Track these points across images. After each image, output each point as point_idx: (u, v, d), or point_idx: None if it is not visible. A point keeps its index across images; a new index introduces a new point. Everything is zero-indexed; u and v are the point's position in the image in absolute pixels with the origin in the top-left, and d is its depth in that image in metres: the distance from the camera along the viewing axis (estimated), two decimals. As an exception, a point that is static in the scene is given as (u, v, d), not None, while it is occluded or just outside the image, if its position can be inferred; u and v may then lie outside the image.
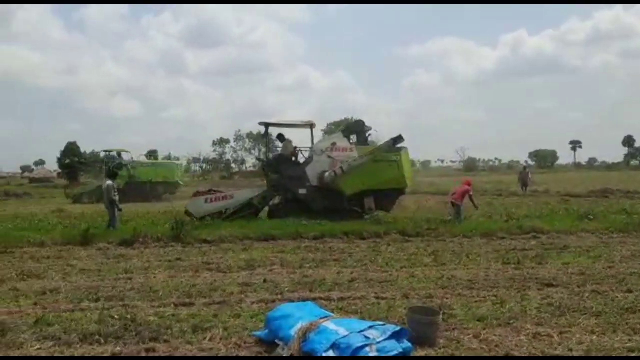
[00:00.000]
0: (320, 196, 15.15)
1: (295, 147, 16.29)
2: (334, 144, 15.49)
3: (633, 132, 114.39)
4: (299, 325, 4.59)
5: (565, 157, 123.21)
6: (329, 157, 15.22)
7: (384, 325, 4.63)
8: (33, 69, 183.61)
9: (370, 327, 4.50)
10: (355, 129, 16.48)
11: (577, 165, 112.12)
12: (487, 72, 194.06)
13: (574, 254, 9.69)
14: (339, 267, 8.68)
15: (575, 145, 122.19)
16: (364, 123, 16.59)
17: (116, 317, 5.72)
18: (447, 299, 6.54)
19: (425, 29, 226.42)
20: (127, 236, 11.49)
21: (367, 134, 16.38)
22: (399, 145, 15.04)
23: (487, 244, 11.05)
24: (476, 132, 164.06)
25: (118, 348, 4.85)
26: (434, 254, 9.84)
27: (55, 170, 40.55)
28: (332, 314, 5.05)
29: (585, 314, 5.78)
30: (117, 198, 13.12)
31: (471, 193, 14.82)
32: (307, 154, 15.76)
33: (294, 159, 16.12)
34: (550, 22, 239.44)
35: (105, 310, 6.02)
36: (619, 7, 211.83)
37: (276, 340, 4.71)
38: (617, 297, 6.51)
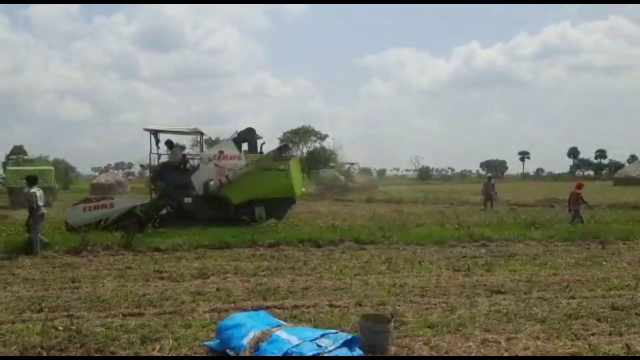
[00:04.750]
0: (206, 205, 14.86)
1: (184, 155, 16.17)
2: (221, 152, 15.37)
3: (578, 144, 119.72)
4: (250, 335, 4.54)
5: (514, 167, 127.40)
6: (216, 165, 15.06)
7: (336, 333, 4.63)
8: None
9: (322, 336, 4.49)
10: (246, 138, 16.21)
11: (525, 175, 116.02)
12: (442, 82, 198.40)
13: (520, 261, 9.97)
14: (293, 275, 8.65)
15: (524, 155, 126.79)
16: (254, 131, 16.43)
17: (60, 328, 5.52)
18: (399, 306, 6.61)
19: (382, 39, 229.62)
20: (74, 244, 11.11)
21: (259, 142, 16.28)
22: (287, 154, 15.22)
23: (439, 251, 11.23)
24: (430, 141, 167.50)
25: (61, 361, 4.67)
26: (387, 261, 9.92)
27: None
28: (284, 323, 5.02)
29: (531, 319, 5.95)
30: (38, 207, 11.04)
31: (582, 195, 15.98)
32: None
33: (182, 166, 15.81)
34: (501, 36, 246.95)
35: (48, 321, 5.79)
36: (566, 23, 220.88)
37: (227, 350, 4.64)
38: (561, 303, 6.73)
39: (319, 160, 76.11)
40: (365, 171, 53.89)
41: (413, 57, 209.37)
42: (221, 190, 14.75)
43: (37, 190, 11.15)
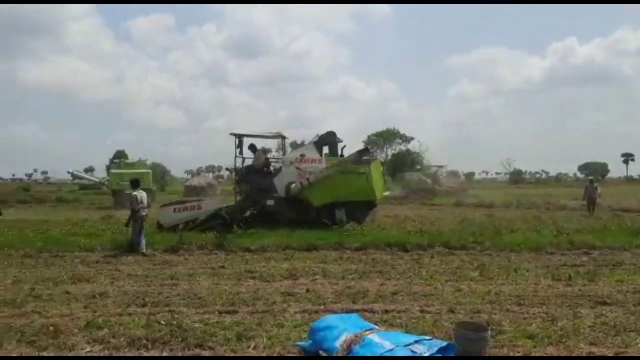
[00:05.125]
0: (288, 207, 15.11)
1: (267, 158, 16.33)
2: (302, 155, 15.56)
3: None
4: (343, 337, 4.54)
5: (616, 170, 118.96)
6: (297, 168, 15.25)
7: (430, 340, 4.53)
8: (84, 80, 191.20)
9: (416, 342, 4.41)
10: (327, 141, 16.22)
11: (629, 179, 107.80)
12: (536, 81, 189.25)
13: (628, 271, 9.26)
14: (382, 279, 8.57)
15: (628, 158, 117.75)
16: (335, 134, 16.37)
17: (162, 322, 5.82)
18: (495, 314, 6.35)
19: (471, 38, 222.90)
20: (172, 243, 11.72)
21: (340, 146, 16.20)
22: (367, 157, 14.96)
23: (535, 258, 10.69)
24: (523, 143, 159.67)
25: (165, 353, 4.92)
26: (480, 267, 9.58)
27: (104, 178, 41.68)
28: (376, 327, 4.98)
29: (643, 334, 5.51)
30: (140, 209, 11.60)
31: None
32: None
33: (265, 169, 16.06)
34: (601, 31, 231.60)
35: (151, 316, 6.13)
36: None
37: (320, 352, 4.67)
38: (676, 317, 6.18)
39: (404, 163, 75.15)
40: (453, 174, 52.50)
41: (504, 56, 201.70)
42: (302, 192, 14.95)
43: (138, 193, 11.79)
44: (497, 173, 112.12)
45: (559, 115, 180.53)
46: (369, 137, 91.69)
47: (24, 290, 7.69)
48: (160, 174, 63.62)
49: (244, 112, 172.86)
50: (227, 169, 16.44)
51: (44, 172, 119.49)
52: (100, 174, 53.59)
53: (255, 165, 15.88)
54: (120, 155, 68.33)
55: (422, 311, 6.49)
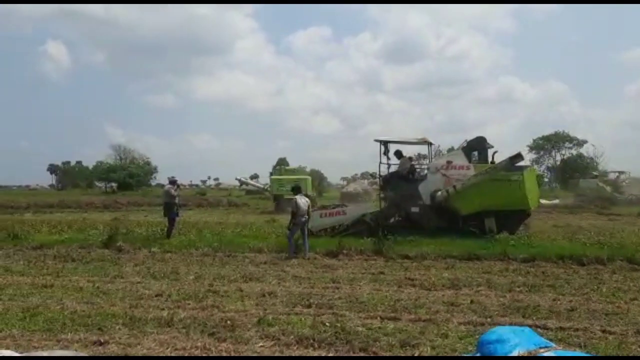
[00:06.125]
0: (434, 215, 14.62)
1: (412, 165, 15.80)
2: (449, 161, 14.95)
3: None
4: (515, 352, 4.24)
5: None
6: (444, 175, 14.66)
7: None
8: (249, 92, 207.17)
9: (602, 365, 3.98)
10: (476, 147, 15.32)
11: None
12: None
13: None
14: (554, 294, 7.92)
15: None
16: (485, 140, 15.38)
17: (327, 324, 6.02)
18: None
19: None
20: (332, 247, 12.08)
21: (490, 152, 15.16)
22: (521, 164, 13.79)
23: None
24: None
25: (330, 353, 5.07)
26: (673, 286, 8.41)
27: (266, 184, 44.57)
28: (553, 345, 4.58)
29: None
30: (299, 215, 12.08)
31: None
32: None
33: (411, 176, 15.59)
34: None
35: (317, 317, 6.37)
36: None
37: (489, 366, 4.43)
38: None
39: (575, 169, 69.07)
40: (636, 181, 46.86)
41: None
42: (448, 200, 14.46)
43: (299, 198, 12.34)
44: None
45: None
46: (534, 141, 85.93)
47: (204, 285, 8.48)
48: (318, 180, 66.35)
49: (399, 118, 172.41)
50: (372, 175, 16.59)
51: (216, 179, 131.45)
52: (264, 180, 57.42)
53: (401, 172, 15.79)
54: (281, 162, 72.84)
55: (603, 331, 5.88)
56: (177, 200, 15.14)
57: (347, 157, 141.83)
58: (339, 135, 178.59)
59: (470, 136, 15.78)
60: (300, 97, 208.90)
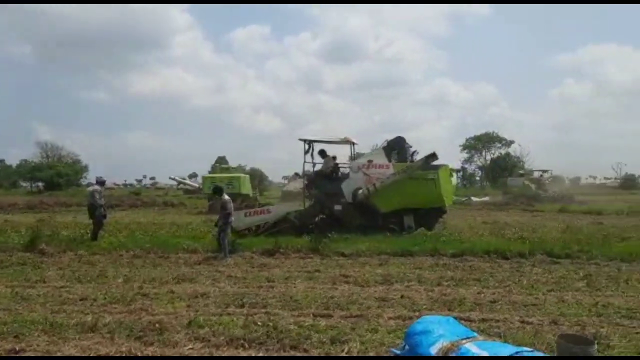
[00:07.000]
0: (355, 213, 15.05)
1: (336, 164, 16.19)
2: (370, 161, 15.37)
3: None
4: (439, 345, 4.40)
5: None
6: (365, 174, 15.08)
7: (532, 351, 4.27)
8: (188, 89, 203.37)
9: (516, 353, 4.17)
10: (396, 146, 15.84)
11: None
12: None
13: None
14: (479, 287, 8.27)
15: None
16: (404, 140, 15.98)
17: (259, 323, 5.99)
18: (603, 328, 5.91)
19: (575, 36, 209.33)
20: (269, 246, 12.04)
21: (408, 151, 15.76)
22: (436, 163, 14.46)
23: (650, 269, 9.83)
24: (636, 146, 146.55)
25: (261, 353, 5.05)
26: (586, 278, 8.97)
27: (201, 183, 43.57)
28: (475, 334, 4.78)
29: None
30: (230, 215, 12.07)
31: None
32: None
33: (334, 175, 16.02)
34: None
35: (249, 316, 6.33)
36: None
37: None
38: None
39: (504, 168, 72.11)
40: (558, 179, 49.52)
41: (613, 53, 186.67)
42: (369, 198, 14.89)
43: (227, 197, 12.16)
44: (606, 178, 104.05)
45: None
46: (467, 140, 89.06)
47: (133, 288, 8.22)
48: (258, 179, 65.92)
49: (339, 117, 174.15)
50: (296, 174, 16.64)
51: (152, 178, 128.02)
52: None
53: (324, 171, 16.03)
54: (221, 161, 71.77)
55: (522, 322, 6.19)
56: (102, 202, 14.48)
57: (289, 156, 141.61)
58: (281, 134, 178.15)
59: (408, 135, 16.16)
60: (241, 96, 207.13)
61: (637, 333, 5.71)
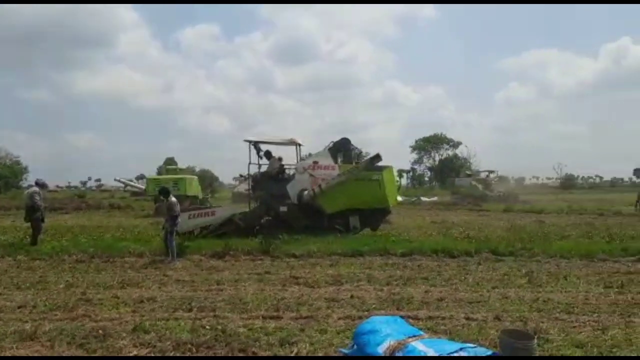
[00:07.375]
0: (301, 214, 15.16)
1: (282, 165, 16.32)
2: (315, 162, 15.55)
3: None
4: (386, 344, 4.48)
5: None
6: (310, 175, 15.25)
7: (475, 347, 4.41)
8: (135, 88, 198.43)
9: (461, 349, 4.30)
10: (341, 148, 16.17)
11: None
12: (588, 84, 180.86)
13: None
14: (427, 285, 8.47)
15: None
16: (349, 141, 16.28)
17: (207, 327, 5.92)
18: (543, 322, 6.16)
19: (520, 40, 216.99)
20: (219, 249, 11.90)
21: (353, 153, 16.25)
22: (381, 164, 14.76)
23: (586, 265, 10.35)
24: (575, 147, 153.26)
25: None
26: (528, 274, 9.34)
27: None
28: (421, 333, 4.90)
29: None
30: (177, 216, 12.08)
31: None
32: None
33: (280, 176, 16.10)
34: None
35: (197, 320, 6.25)
36: None
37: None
38: None
39: (451, 168, 73.94)
40: (503, 180, 51.25)
41: (555, 58, 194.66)
42: (314, 199, 14.98)
43: (174, 199, 11.99)
44: (548, 178, 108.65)
45: (614, 119, 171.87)
46: (416, 142, 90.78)
47: (75, 294, 7.94)
48: (208, 180, 64.90)
49: (291, 118, 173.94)
50: (241, 176, 16.55)
51: (98, 180, 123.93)
52: (151, 181, 55.05)
53: (270, 172, 16.03)
54: (169, 162, 70.25)
55: (467, 318, 6.38)
56: (41, 204, 13.89)
57: (240, 157, 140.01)
58: (233, 134, 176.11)
59: (358, 136, 16.33)
60: (190, 95, 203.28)
61: (574, 327, 5.97)
